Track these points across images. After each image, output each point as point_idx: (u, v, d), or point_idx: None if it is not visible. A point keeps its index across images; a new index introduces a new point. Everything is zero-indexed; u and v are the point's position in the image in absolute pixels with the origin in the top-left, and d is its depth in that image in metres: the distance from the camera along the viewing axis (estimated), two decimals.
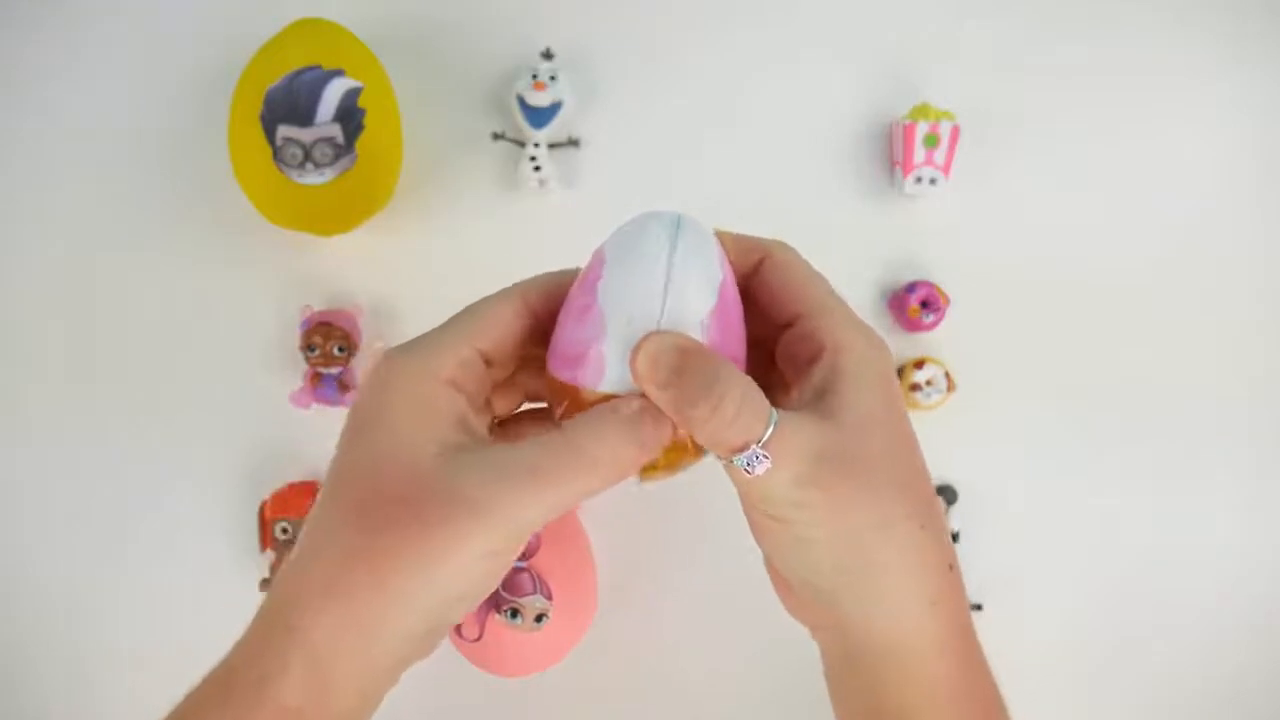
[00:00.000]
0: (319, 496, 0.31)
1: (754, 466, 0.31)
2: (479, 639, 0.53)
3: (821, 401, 0.33)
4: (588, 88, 0.59)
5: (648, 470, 0.35)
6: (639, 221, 0.33)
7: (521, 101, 0.57)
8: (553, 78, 0.57)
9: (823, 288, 0.35)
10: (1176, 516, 0.58)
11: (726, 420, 0.31)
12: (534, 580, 0.52)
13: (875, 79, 0.60)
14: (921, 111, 0.57)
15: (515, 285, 0.35)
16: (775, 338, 0.36)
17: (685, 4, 0.60)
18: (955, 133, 0.57)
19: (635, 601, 0.57)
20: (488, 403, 0.36)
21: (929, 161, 0.57)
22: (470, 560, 0.29)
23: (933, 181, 0.57)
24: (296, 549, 0.31)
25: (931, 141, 0.57)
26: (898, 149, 0.58)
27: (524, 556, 0.52)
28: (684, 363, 0.31)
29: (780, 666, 0.57)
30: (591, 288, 0.32)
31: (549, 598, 0.52)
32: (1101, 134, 0.60)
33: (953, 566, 0.34)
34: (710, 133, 0.60)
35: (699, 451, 0.35)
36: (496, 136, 0.58)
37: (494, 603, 0.52)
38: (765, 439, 0.31)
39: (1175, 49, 0.61)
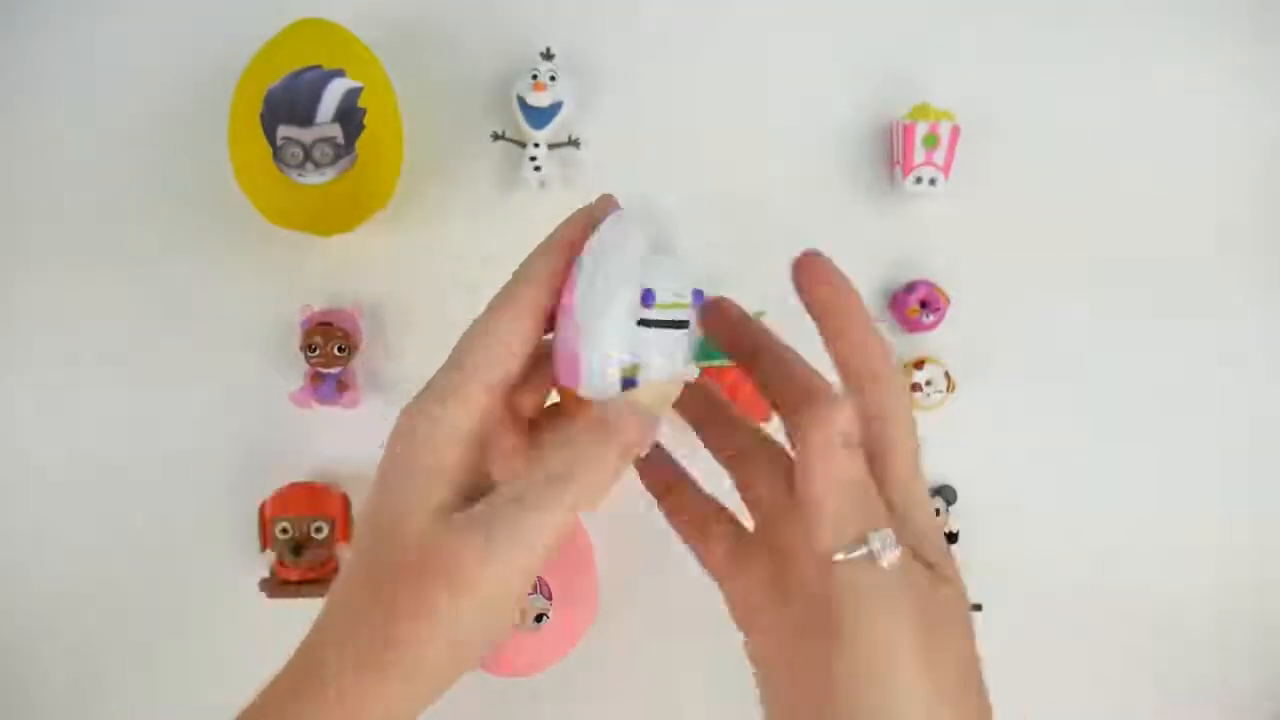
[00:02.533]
0: (351, 547, 0.32)
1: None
2: None
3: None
4: (588, 88, 0.59)
5: None
6: (615, 223, 0.33)
7: (521, 101, 0.57)
8: (553, 78, 0.57)
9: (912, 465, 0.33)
10: (1177, 516, 0.58)
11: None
12: (534, 580, 0.52)
13: (875, 79, 0.60)
14: (921, 111, 0.57)
15: (524, 287, 0.32)
16: None
17: (685, 4, 0.60)
18: (955, 133, 0.57)
19: (635, 601, 0.57)
20: (512, 410, 0.35)
21: (929, 161, 0.57)
22: (469, 615, 0.29)
23: (933, 181, 0.57)
24: (326, 601, 0.31)
25: (931, 141, 0.57)
26: (898, 149, 0.58)
27: None
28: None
29: None
30: (570, 290, 0.31)
31: (549, 598, 0.52)
32: (1101, 134, 0.60)
33: None
34: (710, 133, 0.60)
35: None
36: (496, 136, 0.58)
37: None
38: None
39: (1176, 49, 0.61)
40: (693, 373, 0.32)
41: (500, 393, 0.32)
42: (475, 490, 0.31)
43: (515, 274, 0.33)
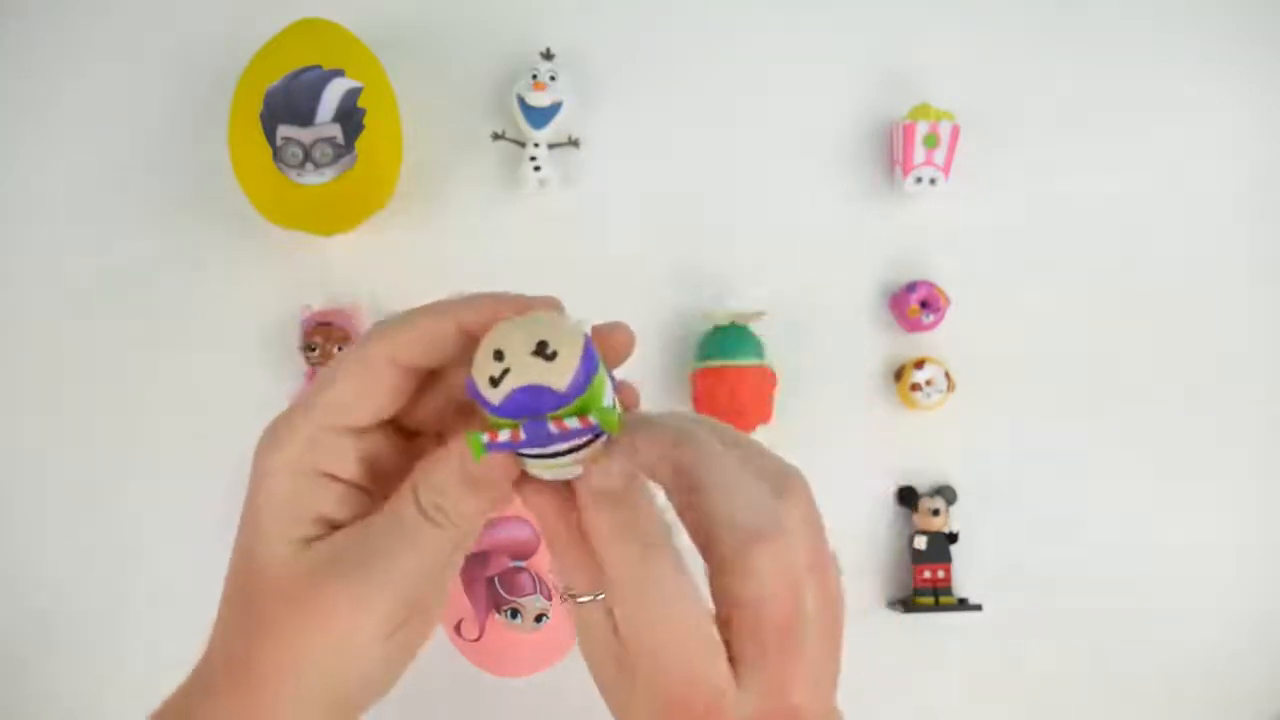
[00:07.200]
0: (225, 582, 0.32)
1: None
2: (479, 639, 0.53)
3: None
4: (588, 88, 0.59)
5: None
6: None
7: (521, 101, 0.57)
8: (553, 78, 0.57)
9: (735, 518, 0.26)
10: (1176, 516, 0.58)
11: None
12: (534, 580, 0.52)
13: (875, 79, 0.60)
14: (921, 111, 0.57)
15: (380, 337, 0.31)
16: None
17: (685, 5, 0.60)
18: (955, 133, 0.57)
19: None
20: (398, 431, 0.32)
21: (929, 161, 0.57)
22: (353, 648, 0.29)
23: (933, 181, 0.57)
24: (216, 615, 0.32)
25: (931, 141, 0.57)
26: (898, 149, 0.58)
27: (524, 556, 0.52)
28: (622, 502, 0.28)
29: None
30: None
31: (549, 598, 0.52)
32: (1101, 134, 0.60)
33: None
34: (710, 133, 0.60)
35: None
36: (496, 136, 0.58)
37: (494, 603, 0.52)
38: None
39: (1175, 48, 0.61)
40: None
41: (346, 431, 0.30)
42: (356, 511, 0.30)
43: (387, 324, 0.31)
